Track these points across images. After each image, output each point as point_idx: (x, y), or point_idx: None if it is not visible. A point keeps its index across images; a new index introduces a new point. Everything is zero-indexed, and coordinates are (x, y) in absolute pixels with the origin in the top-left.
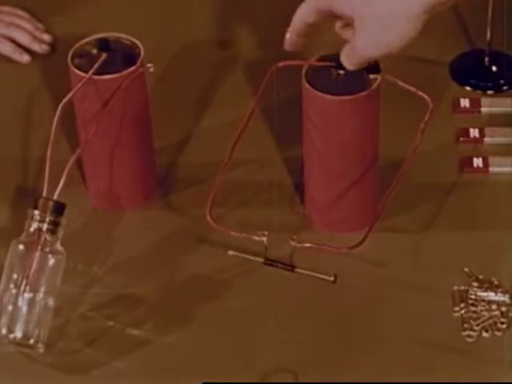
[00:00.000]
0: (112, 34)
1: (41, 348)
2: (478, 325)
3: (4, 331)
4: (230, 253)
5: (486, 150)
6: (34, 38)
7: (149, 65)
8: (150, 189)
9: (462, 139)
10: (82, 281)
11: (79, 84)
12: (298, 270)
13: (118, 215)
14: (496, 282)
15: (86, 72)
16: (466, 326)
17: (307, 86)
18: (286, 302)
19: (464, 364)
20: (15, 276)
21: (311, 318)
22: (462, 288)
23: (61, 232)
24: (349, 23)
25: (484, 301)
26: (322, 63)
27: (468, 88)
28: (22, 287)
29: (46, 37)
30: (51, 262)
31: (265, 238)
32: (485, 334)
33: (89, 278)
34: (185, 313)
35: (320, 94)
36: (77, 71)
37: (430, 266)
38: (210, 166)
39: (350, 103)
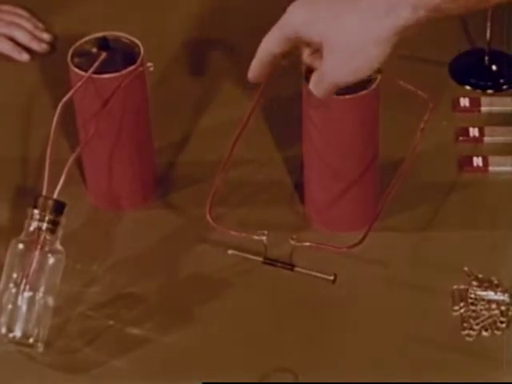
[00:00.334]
0: (112, 33)
1: (40, 347)
2: (477, 324)
3: (3, 330)
4: (230, 252)
5: (485, 149)
6: (34, 36)
7: (148, 64)
8: (149, 188)
9: (461, 138)
10: (82, 280)
11: (79, 83)
12: (297, 269)
13: (118, 215)
14: (495, 281)
15: (86, 71)
16: (465, 325)
17: (307, 85)
18: (286, 301)
19: (464, 363)
20: (15, 275)
21: (311, 317)
22: (462, 287)
23: (60, 231)
24: (317, 49)
25: (484, 300)
26: None
27: (468, 87)
28: (22, 286)
29: (46, 36)
30: (51, 261)
31: (264, 238)
32: (484, 333)
33: (88, 277)
34: (185, 312)
35: None
36: (76, 70)
37: (429, 265)
38: (209, 165)
39: (349, 102)
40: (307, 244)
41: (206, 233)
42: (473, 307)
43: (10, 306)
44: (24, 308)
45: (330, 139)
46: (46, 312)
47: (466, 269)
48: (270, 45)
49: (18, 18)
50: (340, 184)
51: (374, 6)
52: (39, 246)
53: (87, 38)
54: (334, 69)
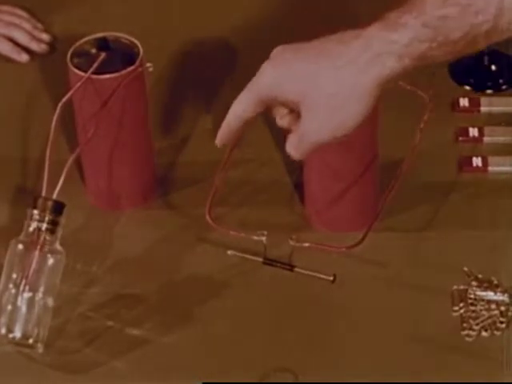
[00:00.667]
0: (111, 34)
1: (40, 348)
2: (477, 324)
3: (3, 331)
4: (230, 252)
5: (485, 149)
6: (33, 37)
7: (148, 64)
8: (149, 188)
9: (461, 138)
10: (82, 280)
11: (78, 83)
12: (297, 269)
13: (118, 215)
14: (495, 282)
15: (85, 71)
16: (465, 325)
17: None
18: (286, 301)
19: (463, 363)
20: (14, 276)
21: (311, 317)
22: (461, 287)
23: (60, 231)
24: (292, 111)
25: (483, 300)
26: None
27: (467, 87)
28: (22, 287)
29: (45, 36)
30: (50, 261)
31: (264, 238)
32: (484, 334)
33: (88, 278)
34: (184, 312)
35: None
36: (76, 71)
37: (429, 265)
38: (209, 165)
39: None
40: (307, 244)
41: (206, 233)
42: (472, 307)
43: (9, 307)
44: (24, 308)
45: None
46: (45, 312)
47: (465, 269)
48: (242, 110)
49: (18, 19)
50: (340, 184)
51: (353, 60)
52: (39, 247)
53: (86, 39)
54: (315, 128)
